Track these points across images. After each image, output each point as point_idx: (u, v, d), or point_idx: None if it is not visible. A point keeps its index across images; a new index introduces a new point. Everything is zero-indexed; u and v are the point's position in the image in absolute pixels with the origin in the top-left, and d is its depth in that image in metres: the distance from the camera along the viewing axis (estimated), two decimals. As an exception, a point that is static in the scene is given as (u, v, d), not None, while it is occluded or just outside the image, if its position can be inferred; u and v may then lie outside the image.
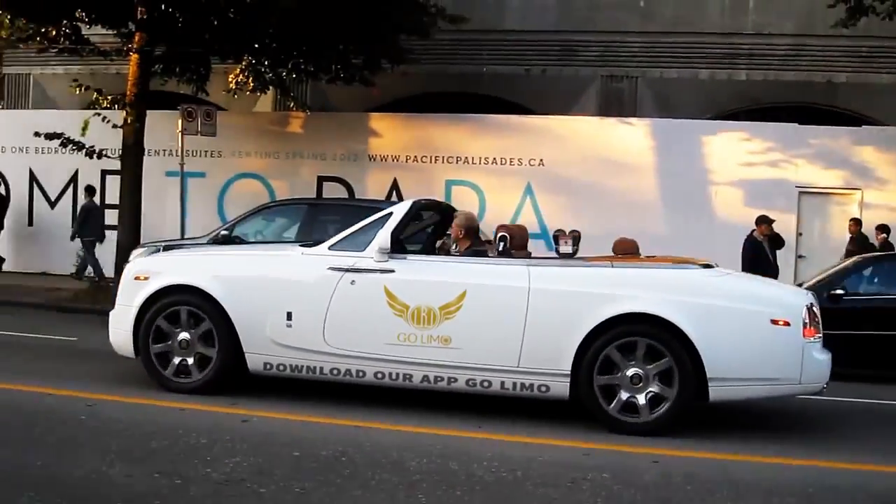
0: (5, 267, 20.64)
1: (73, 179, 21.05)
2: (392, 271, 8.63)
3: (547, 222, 18.80)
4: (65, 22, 17.61)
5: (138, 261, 10.17)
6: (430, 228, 10.47)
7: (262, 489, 5.98)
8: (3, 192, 21.30)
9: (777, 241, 15.71)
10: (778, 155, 18.68)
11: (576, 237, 14.72)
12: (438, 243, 9.89)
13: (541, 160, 19.39)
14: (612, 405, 8.15)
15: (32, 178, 21.50)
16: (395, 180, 19.86)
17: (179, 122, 17.50)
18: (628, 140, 19.25)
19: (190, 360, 9.04)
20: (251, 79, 18.52)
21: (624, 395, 8.14)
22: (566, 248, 14.90)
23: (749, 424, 8.98)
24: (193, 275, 9.13)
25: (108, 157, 17.65)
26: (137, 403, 8.47)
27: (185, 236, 17.20)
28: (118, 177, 19.10)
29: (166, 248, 14.00)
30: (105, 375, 9.74)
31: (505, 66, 22.05)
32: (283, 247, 10.79)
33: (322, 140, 20.35)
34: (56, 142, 17.94)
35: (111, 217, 19.55)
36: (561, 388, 8.27)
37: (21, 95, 24.97)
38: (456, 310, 8.44)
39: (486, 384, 8.41)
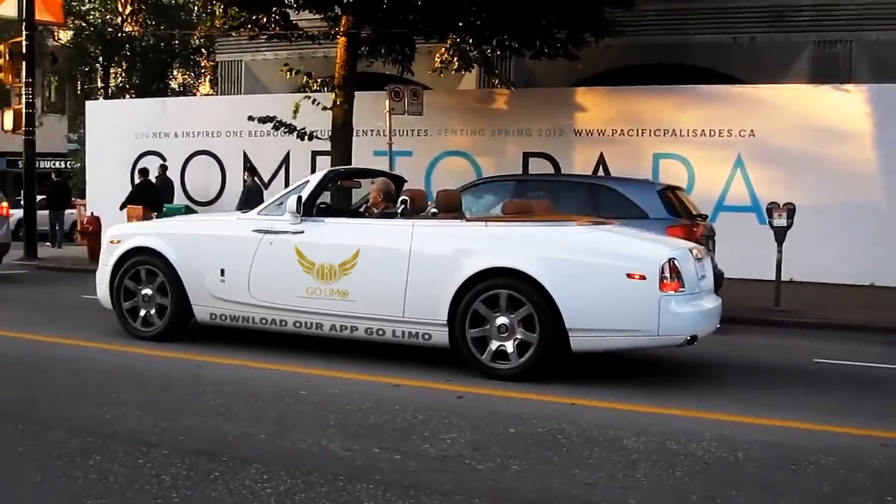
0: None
1: (286, 161, 21.64)
2: (302, 233, 9.78)
3: (759, 195, 18.25)
4: (274, 9, 18.08)
5: (114, 227, 11.84)
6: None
7: (481, 466, 5.98)
8: (153, 179, 21.79)
9: None
10: None
11: (790, 210, 14.33)
12: (363, 206, 10.87)
13: (751, 131, 18.84)
14: (485, 355, 8.85)
15: (246, 161, 22.20)
16: (601, 155, 19.66)
17: (387, 102, 17.74)
18: (844, 108, 18.47)
19: (152, 312, 10.55)
20: (456, 57, 18.59)
21: (494, 345, 8.82)
22: (780, 220, 14.46)
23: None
24: (151, 238, 10.68)
25: (319, 138, 18.04)
26: (353, 379, 8.62)
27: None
28: (328, 157, 19.57)
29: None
30: (320, 352, 9.97)
31: (712, 35, 21.53)
32: (227, 214, 12.19)
33: (527, 116, 20.30)
34: (268, 125, 18.47)
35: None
36: (441, 336, 9.09)
37: (234, 81, 25.90)
38: (351, 266, 9.49)
39: (380, 332, 9.40)
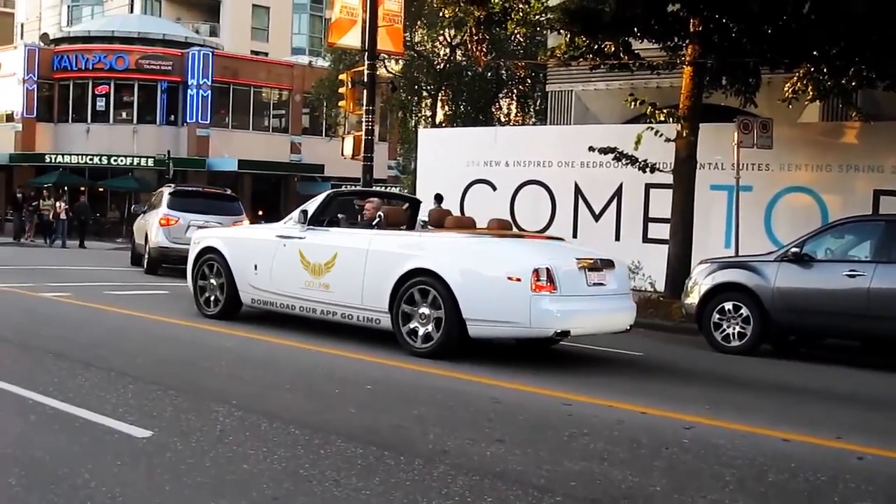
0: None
1: (618, 193, 21.17)
2: (304, 238, 12.46)
3: None
4: (620, 38, 17.74)
5: (198, 231, 15.74)
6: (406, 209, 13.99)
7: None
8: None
9: None
10: None
11: None
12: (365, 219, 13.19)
13: None
14: (405, 328, 11.15)
15: (577, 192, 21.89)
16: (962, 193, 18.09)
17: (735, 134, 16.96)
18: None
19: (213, 296, 13.62)
20: (811, 87, 17.54)
21: (412, 325, 11.11)
22: None
23: None
24: (216, 240, 13.85)
25: (661, 170, 17.51)
26: (735, 430, 8.01)
27: (740, 252, 16.61)
28: (662, 190, 19.03)
29: (727, 266, 13.68)
30: (684, 395, 9.51)
31: None
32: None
33: (880, 151, 18.95)
34: (608, 156, 18.14)
35: (657, 231, 19.56)
36: (387, 321, 11.41)
37: (563, 111, 25.62)
38: (332, 265, 12.02)
39: (350, 317, 11.88)
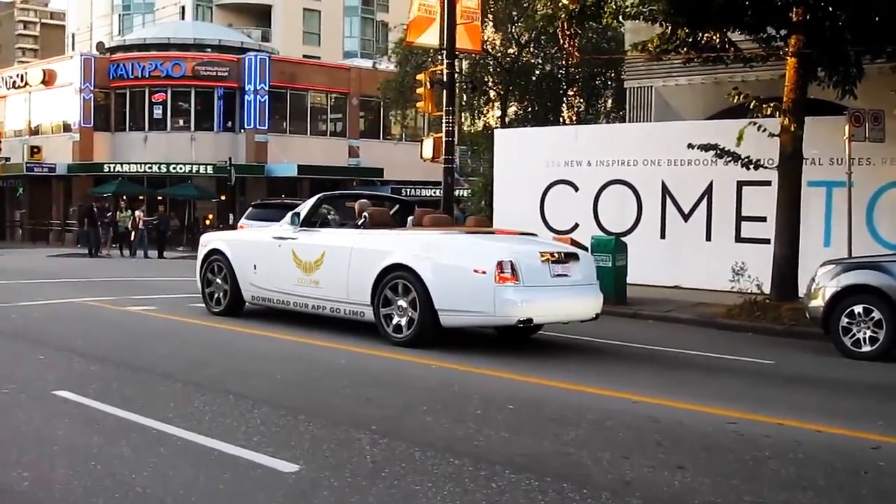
0: (639, 279, 20.24)
1: (708, 191, 20.38)
2: (296, 239, 13.49)
3: None
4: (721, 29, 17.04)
5: (205, 234, 16.77)
6: (396, 209, 14.93)
7: None
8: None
9: None
10: None
11: None
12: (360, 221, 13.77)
13: None
14: (384, 320, 12.07)
15: (665, 191, 21.09)
16: None
17: (846, 128, 16.07)
18: None
19: (219, 295, 14.68)
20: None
21: (395, 320, 11.95)
22: None
23: None
24: (220, 242, 15.02)
25: (766, 167, 16.69)
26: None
27: (856, 253, 15.78)
28: (756, 188, 18.31)
29: (854, 268, 12.94)
30: (846, 409, 8.97)
31: None
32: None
33: None
34: (697, 153, 17.42)
35: (752, 230, 18.79)
36: (370, 314, 12.27)
37: (643, 108, 24.87)
38: (320, 263, 13.01)
39: (337, 311, 12.84)
